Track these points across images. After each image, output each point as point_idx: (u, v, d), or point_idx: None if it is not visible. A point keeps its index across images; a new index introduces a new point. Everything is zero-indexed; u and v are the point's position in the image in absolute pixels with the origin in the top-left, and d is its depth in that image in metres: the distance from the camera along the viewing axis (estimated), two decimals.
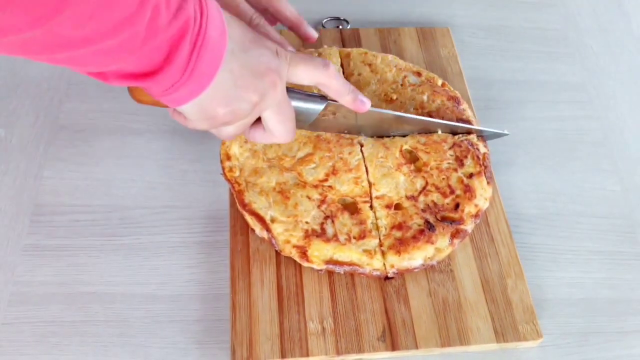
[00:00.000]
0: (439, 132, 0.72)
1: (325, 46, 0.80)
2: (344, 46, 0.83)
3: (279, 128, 0.58)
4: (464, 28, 0.90)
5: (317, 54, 0.78)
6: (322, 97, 0.62)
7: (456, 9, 0.92)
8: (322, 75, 0.59)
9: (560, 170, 0.77)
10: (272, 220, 0.64)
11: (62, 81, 0.80)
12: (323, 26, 0.87)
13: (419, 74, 0.77)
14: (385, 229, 0.65)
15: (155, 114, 0.77)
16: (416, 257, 0.64)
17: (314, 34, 0.74)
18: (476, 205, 0.67)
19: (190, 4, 0.47)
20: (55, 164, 0.73)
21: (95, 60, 0.45)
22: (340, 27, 0.87)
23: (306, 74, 0.58)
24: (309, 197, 0.66)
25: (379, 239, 0.65)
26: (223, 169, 0.68)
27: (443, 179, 0.68)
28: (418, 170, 0.69)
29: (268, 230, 0.64)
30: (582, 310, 0.66)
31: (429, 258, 0.65)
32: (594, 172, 0.77)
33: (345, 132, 0.70)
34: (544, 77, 0.86)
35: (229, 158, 0.69)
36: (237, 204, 0.67)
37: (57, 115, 0.77)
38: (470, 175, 0.69)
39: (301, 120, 0.62)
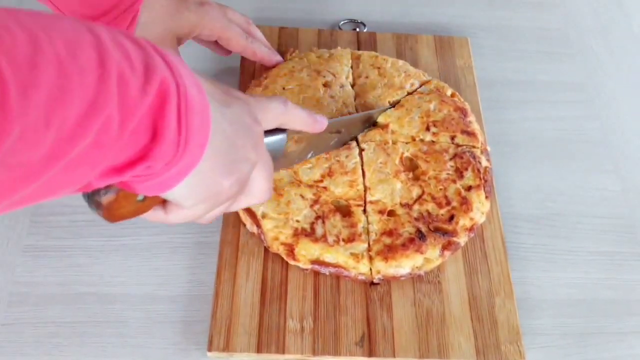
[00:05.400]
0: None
1: (339, 47, 0.80)
2: (359, 49, 0.83)
3: (264, 186, 0.51)
4: (464, 28, 0.89)
5: (328, 55, 0.78)
6: (279, 130, 0.56)
7: (457, 9, 0.92)
8: (284, 112, 0.54)
9: (561, 170, 0.76)
10: (263, 216, 0.65)
11: None
12: (340, 28, 0.87)
13: (428, 82, 0.77)
14: (376, 234, 0.64)
15: None
16: (404, 265, 0.63)
17: (269, 58, 0.76)
18: (472, 219, 0.66)
19: (157, 59, 0.37)
20: None
21: (70, 177, 0.35)
22: (357, 29, 0.87)
23: (273, 115, 0.53)
24: (302, 196, 0.66)
25: (368, 243, 0.64)
26: None
27: (440, 189, 0.67)
28: (416, 178, 0.68)
29: (258, 225, 0.65)
30: (582, 311, 0.66)
31: (417, 267, 0.64)
32: (594, 172, 0.76)
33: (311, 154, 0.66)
34: (544, 77, 0.85)
35: None
36: None
37: None
38: (469, 188, 0.68)
39: (273, 158, 0.55)
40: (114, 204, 0.43)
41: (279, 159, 0.57)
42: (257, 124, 0.48)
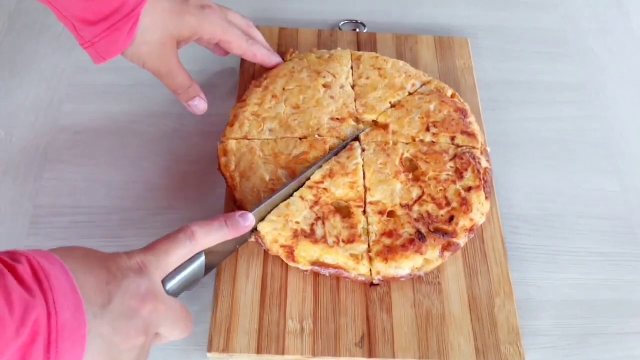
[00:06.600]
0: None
1: (339, 48, 0.80)
2: (358, 49, 0.83)
3: (174, 334, 0.54)
4: (464, 29, 0.89)
5: (328, 55, 0.78)
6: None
7: (457, 9, 0.92)
8: (192, 248, 0.55)
9: (560, 170, 0.76)
10: (261, 219, 0.64)
11: (62, 82, 0.80)
12: (339, 28, 0.87)
13: (428, 83, 0.77)
14: (376, 235, 0.64)
15: (155, 115, 0.77)
16: (403, 266, 0.63)
17: (269, 60, 0.76)
18: (471, 220, 0.66)
19: (37, 295, 0.42)
20: (55, 165, 0.73)
21: None
22: (357, 30, 0.87)
23: (178, 258, 0.54)
24: (302, 197, 0.66)
25: (368, 244, 0.64)
26: (219, 164, 0.69)
27: (440, 190, 0.67)
28: (416, 179, 0.68)
29: (254, 230, 0.64)
30: (582, 312, 0.66)
31: (416, 268, 0.64)
32: (594, 173, 0.76)
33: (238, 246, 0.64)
34: (544, 77, 0.85)
35: (225, 153, 0.69)
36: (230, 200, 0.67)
37: (56, 116, 0.77)
38: (469, 189, 0.67)
39: (195, 281, 0.58)
40: None
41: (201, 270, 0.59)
42: (148, 298, 0.49)
